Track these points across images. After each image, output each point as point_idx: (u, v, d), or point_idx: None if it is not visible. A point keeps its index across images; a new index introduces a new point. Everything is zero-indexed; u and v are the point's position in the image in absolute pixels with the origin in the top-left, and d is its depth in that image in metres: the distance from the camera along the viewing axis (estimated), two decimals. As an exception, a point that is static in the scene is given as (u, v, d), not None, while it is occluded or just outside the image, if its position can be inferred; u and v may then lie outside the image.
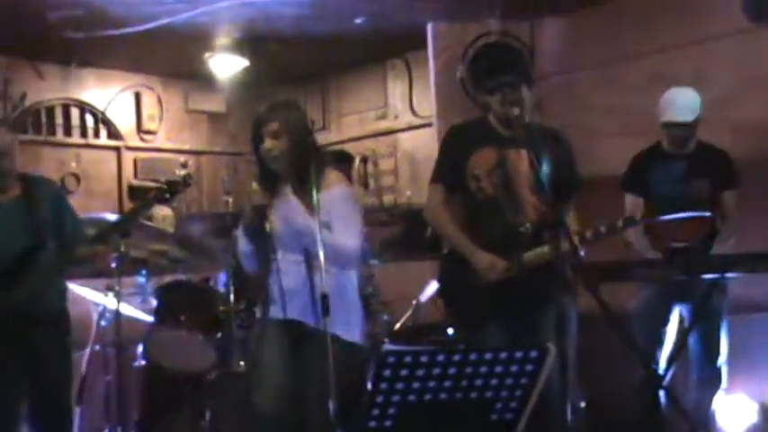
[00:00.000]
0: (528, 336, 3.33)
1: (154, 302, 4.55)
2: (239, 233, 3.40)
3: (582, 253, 3.33)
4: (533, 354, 2.41)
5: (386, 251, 5.37)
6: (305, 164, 3.15)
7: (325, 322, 2.98)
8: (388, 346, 3.41)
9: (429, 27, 6.02)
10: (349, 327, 3.23)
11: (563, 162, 3.52)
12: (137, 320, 4.59)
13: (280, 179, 3.25)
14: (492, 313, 3.41)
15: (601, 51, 5.43)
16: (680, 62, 4.97)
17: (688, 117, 4.14)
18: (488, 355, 2.37)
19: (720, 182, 4.21)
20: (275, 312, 3.29)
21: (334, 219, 3.15)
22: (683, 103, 4.16)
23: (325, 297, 2.99)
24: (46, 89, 7.08)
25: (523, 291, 3.36)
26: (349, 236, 3.16)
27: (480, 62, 5.39)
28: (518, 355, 2.40)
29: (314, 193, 3.08)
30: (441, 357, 2.33)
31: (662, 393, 4.10)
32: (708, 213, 4.05)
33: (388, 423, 2.37)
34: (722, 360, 4.15)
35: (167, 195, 3.53)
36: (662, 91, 4.24)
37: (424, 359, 2.32)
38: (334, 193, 3.19)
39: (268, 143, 3.21)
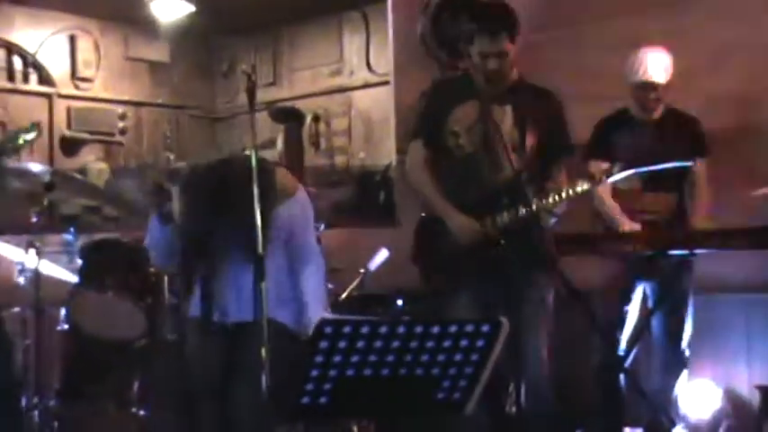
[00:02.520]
0: (499, 308, 3.16)
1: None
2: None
3: (557, 212, 3.28)
4: (485, 328, 2.29)
5: (336, 216, 5.14)
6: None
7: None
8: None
9: (389, -23, 5.78)
10: (290, 312, 3.05)
11: (552, 123, 3.43)
12: (60, 281, 4.36)
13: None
14: (464, 280, 3.33)
15: (571, 10, 5.22)
16: (653, 24, 4.78)
17: (661, 77, 4.00)
18: (435, 329, 2.26)
19: (690, 150, 4.06)
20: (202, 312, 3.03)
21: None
22: (655, 62, 4.01)
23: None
24: (-33, 26, 6.70)
25: (499, 258, 3.19)
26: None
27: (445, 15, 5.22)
28: (468, 328, 2.29)
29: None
30: (383, 329, 2.18)
31: (622, 376, 4.05)
32: (689, 162, 3.93)
33: (323, 400, 2.23)
34: (686, 342, 4.06)
35: (10, 145, 3.42)
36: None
37: (364, 330, 2.17)
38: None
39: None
